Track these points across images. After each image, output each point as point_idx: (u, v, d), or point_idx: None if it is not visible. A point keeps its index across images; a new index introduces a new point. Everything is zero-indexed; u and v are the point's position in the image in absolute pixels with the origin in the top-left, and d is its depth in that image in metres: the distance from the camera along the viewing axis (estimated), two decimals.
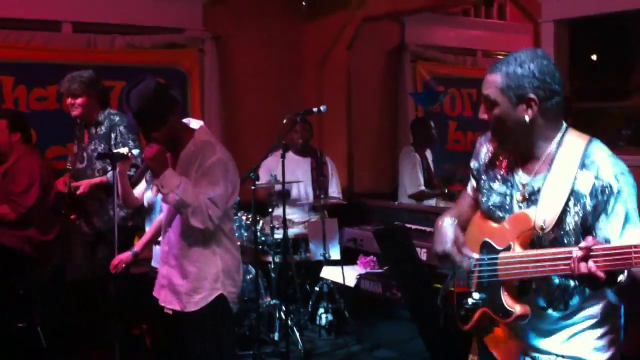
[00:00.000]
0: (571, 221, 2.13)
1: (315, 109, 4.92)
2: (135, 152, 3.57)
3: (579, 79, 5.99)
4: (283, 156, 4.99)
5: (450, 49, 8.27)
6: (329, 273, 5.71)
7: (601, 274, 1.88)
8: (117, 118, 4.70)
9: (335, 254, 5.72)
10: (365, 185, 7.39)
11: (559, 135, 2.22)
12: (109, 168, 4.43)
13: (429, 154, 7.06)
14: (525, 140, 2.23)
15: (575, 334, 2.24)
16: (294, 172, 6.10)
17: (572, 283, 2.18)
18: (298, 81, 7.52)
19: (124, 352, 4.15)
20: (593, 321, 2.23)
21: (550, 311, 2.23)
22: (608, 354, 2.24)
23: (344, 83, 7.32)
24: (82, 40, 6.23)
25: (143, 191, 3.98)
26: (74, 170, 4.84)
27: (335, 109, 6.64)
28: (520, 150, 2.27)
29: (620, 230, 2.08)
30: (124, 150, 4.04)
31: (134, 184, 3.70)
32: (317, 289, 5.86)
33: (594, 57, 7.21)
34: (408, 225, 5.45)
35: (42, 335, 4.97)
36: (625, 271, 1.92)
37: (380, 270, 5.62)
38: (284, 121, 5.02)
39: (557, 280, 2.19)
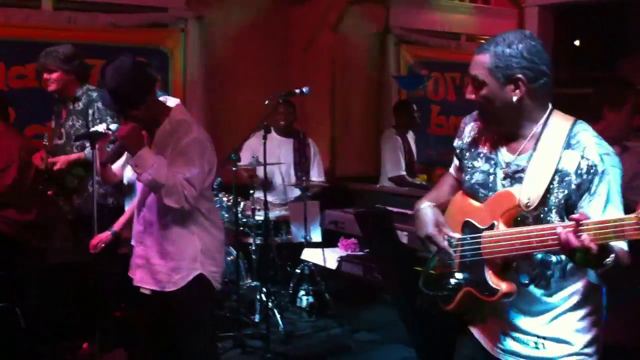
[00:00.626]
0: (555, 199, 2.14)
1: (297, 91, 4.89)
2: (113, 127, 3.51)
3: (562, 65, 6.00)
4: (265, 137, 4.96)
5: (435, 33, 8.25)
6: (310, 255, 5.71)
7: (594, 246, 1.87)
8: (95, 94, 4.62)
9: (316, 236, 5.71)
10: (348, 168, 7.39)
11: (545, 115, 2.23)
12: (87, 144, 4.37)
13: (411, 137, 7.06)
14: (512, 120, 2.24)
15: (558, 315, 2.25)
16: (276, 152, 6.07)
17: (553, 259, 2.19)
18: (282, 64, 7.46)
19: (106, 334, 4.12)
20: (575, 301, 2.24)
21: (532, 288, 2.23)
22: (590, 335, 2.26)
23: (329, 66, 7.29)
24: (63, 18, 6.14)
25: (121, 167, 3.92)
26: (51, 146, 4.78)
27: (320, 92, 6.61)
28: (506, 130, 2.28)
29: (602, 210, 2.09)
30: (101, 127, 3.98)
31: (110, 162, 3.63)
32: (298, 271, 5.85)
33: (577, 43, 7.23)
34: (390, 208, 5.45)
35: (20, 316, 4.92)
36: (613, 254, 1.94)
37: (361, 253, 5.63)
38: (266, 102, 4.99)
39: (539, 256, 2.19)
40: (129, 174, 4.01)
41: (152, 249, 3.30)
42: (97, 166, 3.89)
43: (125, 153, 3.53)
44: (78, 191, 4.75)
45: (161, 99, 3.33)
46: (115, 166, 3.94)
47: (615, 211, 2.10)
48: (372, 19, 7.66)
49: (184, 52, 6.74)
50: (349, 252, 5.67)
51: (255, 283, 5.53)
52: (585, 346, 2.25)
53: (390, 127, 7.06)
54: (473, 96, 2.25)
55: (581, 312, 2.25)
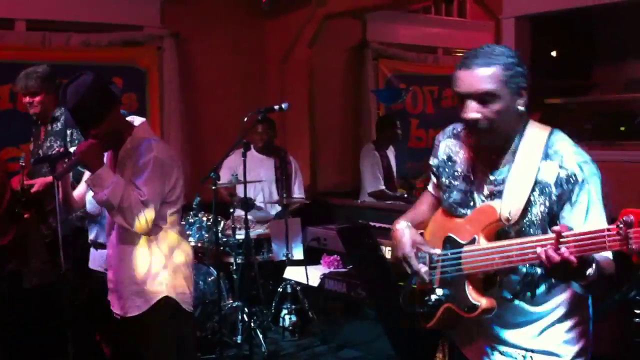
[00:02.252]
0: (537, 212, 2.11)
1: (276, 107, 4.84)
2: (73, 149, 3.42)
3: (540, 75, 6.03)
4: (244, 155, 4.91)
5: (412, 47, 8.31)
6: (293, 273, 5.64)
7: (574, 259, 1.84)
8: None
9: (298, 253, 5.65)
10: (329, 184, 7.36)
11: (521, 127, 2.20)
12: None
13: (391, 152, 7.04)
14: (508, 133, 2.18)
15: (545, 328, 2.22)
16: (257, 170, 6.01)
17: (538, 271, 2.16)
18: (260, 79, 7.44)
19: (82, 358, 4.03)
20: (561, 313, 2.21)
21: (517, 302, 2.20)
22: (578, 346, 2.23)
23: (306, 81, 7.27)
24: (37, 38, 6.06)
25: (84, 193, 3.77)
26: (29, 167, 4.69)
27: (298, 107, 6.59)
28: (499, 145, 2.21)
29: (583, 219, 2.07)
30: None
31: (61, 177, 3.51)
32: (280, 289, 5.78)
33: (554, 54, 7.29)
34: (372, 224, 5.41)
35: None
36: (594, 265, 1.91)
37: (344, 270, 5.58)
38: (245, 119, 4.94)
39: (523, 270, 2.16)
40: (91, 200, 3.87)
41: (119, 271, 3.24)
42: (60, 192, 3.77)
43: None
44: (55, 213, 4.66)
45: (128, 118, 3.27)
46: (77, 192, 3.80)
47: (597, 219, 2.08)
48: (349, 33, 7.66)
49: (160, 70, 6.69)
50: (332, 269, 5.61)
51: (237, 303, 5.45)
52: (574, 358, 2.22)
53: (370, 141, 7.04)
54: (479, 115, 2.12)
55: (568, 323, 2.22)
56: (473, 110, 2.13)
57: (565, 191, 2.08)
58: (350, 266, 5.47)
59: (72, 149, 3.53)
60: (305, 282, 5.48)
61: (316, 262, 5.78)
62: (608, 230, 1.79)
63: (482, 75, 2.10)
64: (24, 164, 4.66)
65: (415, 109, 8.28)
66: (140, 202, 3.03)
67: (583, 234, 1.84)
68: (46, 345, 4.93)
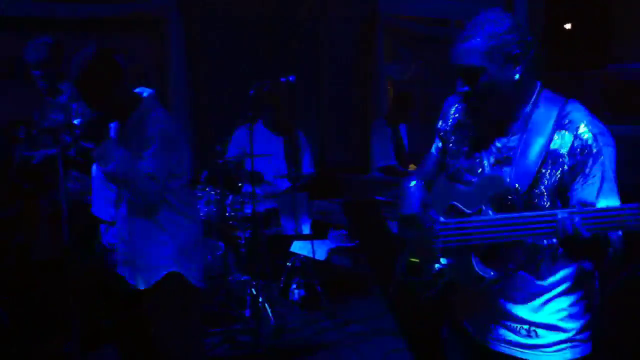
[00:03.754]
0: (547, 182, 2.07)
1: (283, 79, 4.79)
2: (76, 121, 3.41)
3: (553, 48, 5.93)
4: (251, 128, 4.87)
5: (424, 20, 8.19)
6: (299, 248, 5.62)
7: (586, 233, 1.80)
8: None
9: (306, 228, 5.62)
10: (337, 158, 7.30)
11: (535, 94, 2.15)
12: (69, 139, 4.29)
13: (403, 128, 6.96)
14: (509, 103, 2.14)
15: (549, 301, 2.18)
16: (265, 145, 5.96)
17: (544, 243, 2.12)
18: (267, 50, 7.35)
19: (88, 333, 4.05)
20: (566, 285, 2.17)
21: (521, 274, 2.16)
22: (583, 321, 2.19)
23: (315, 53, 7.18)
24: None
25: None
26: (31, 138, 4.68)
27: (306, 80, 6.52)
28: (500, 114, 2.17)
29: (596, 192, 2.02)
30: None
31: (65, 150, 3.53)
32: (289, 264, 5.76)
33: (568, 26, 7.16)
34: (379, 198, 5.36)
35: (4, 315, 4.82)
36: (611, 249, 1.90)
37: (350, 245, 5.54)
38: (251, 93, 4.89)
39: (529, 241, 2.12)
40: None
41: (128, 245, 3.25)
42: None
43: None
44: (56, 185, 4.65)
45: (137, 90, 3.24)
46: None
47: (611, 191, 2.02)
48: (360, 5, 7.57)
49: (167, 40, 6.61)
50: (339, 244, 5.58)
51: (245, 277, 5.43)
52: (579, 332, 2.19)
53: (381, 116, 6.96)
54: (467, 89, 2.13)
55: (573, 297, 2.18)
56: (462, 85, 2.13)
57: (578, 162, 2.04)
58: (357, 241, 5.44)
59: (75, 121, 3.52)
60: (311, 256, 5.45)
61: (323, 236, 5.75)
62: (629, 208, 1.75)
63: (463, 50, 2.09)
64: (23, 137, 4.65)
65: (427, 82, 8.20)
66: (147, 175, 3.01)
67: (601, 210, 1.81)
68: (51, 318, 4.97)
